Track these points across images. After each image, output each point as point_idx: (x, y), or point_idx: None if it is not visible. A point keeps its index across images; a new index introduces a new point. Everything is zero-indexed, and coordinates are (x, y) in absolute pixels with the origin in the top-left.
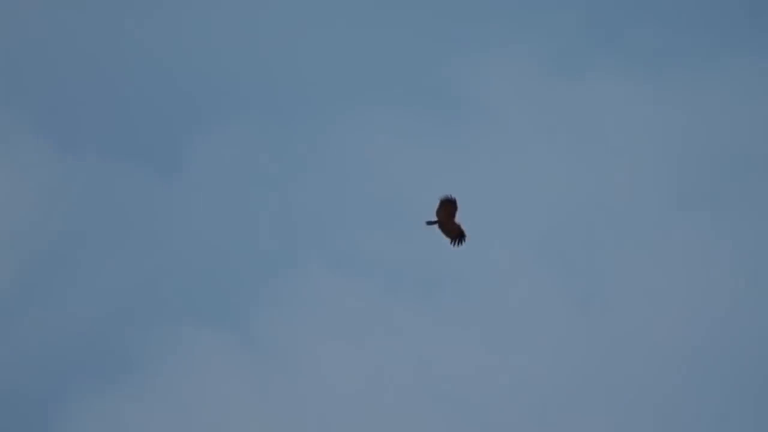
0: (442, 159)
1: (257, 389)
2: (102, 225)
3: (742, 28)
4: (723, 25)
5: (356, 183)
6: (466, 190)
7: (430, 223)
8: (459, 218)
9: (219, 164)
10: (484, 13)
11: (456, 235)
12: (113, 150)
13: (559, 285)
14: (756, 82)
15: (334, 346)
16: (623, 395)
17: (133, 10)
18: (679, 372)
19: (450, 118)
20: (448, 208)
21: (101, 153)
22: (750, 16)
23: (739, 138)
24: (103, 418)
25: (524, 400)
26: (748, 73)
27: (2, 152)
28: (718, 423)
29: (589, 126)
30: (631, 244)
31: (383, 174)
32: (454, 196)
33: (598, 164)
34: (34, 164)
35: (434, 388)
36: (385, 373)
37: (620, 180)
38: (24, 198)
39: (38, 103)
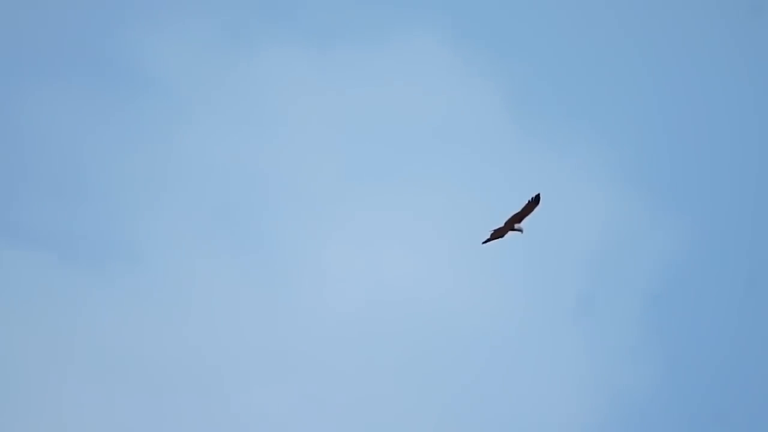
0: (114, 133)
1: None
2: None
3: (411, 6)
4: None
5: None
6: (138, 162)
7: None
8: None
9: None
10: None
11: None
12: None
13: (231, 256)
14: (424, 59)
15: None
16: (295, 365)
17: None
18: (353, 340)
19: (120, 91)
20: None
21: None
22: None
23: (409, 111)
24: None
25: (198, 372)
26: (416, 49)
27: None
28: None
29: (260, 99)
30: (302, 216)
31: (51, 148)
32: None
33: (269, 137)
34: None
35: (113, 360)
36: (60, 348)
37: (292, 152)
38: None
39: None
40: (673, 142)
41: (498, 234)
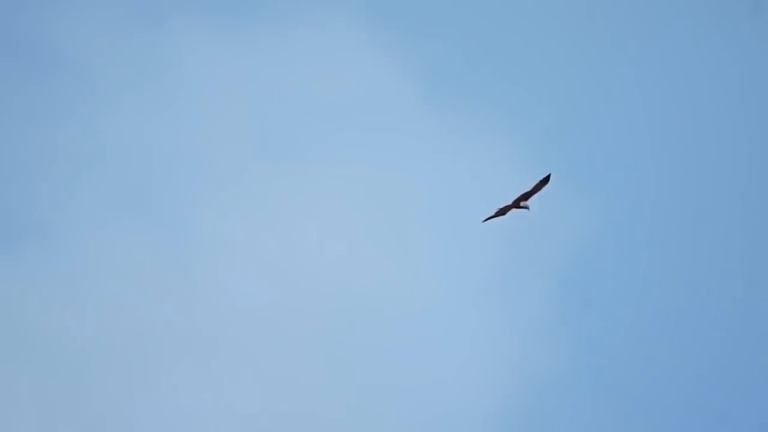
0: (24, 112)
1: None
2: None
3: None
4: None
5: None
6: (48, 141)
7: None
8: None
9: None
10: None
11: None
12: None
13: (144, 236)
14: (335, 37)
15: None
16: (206, 344)
17: None
18: (264, 319)
19: (30, 70)
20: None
21: None
22: None
23: (321, 90)
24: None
25: (109, 351)
26: (327, 27)
27: None
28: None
29: (171, 76)
30: (213, 195)
31: None
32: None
33: (180, 115)
34: None
35: (23, 340)
36: None
37: (203, 130)
38: None
39: None
40: (583, 124)
41: (502, 212)
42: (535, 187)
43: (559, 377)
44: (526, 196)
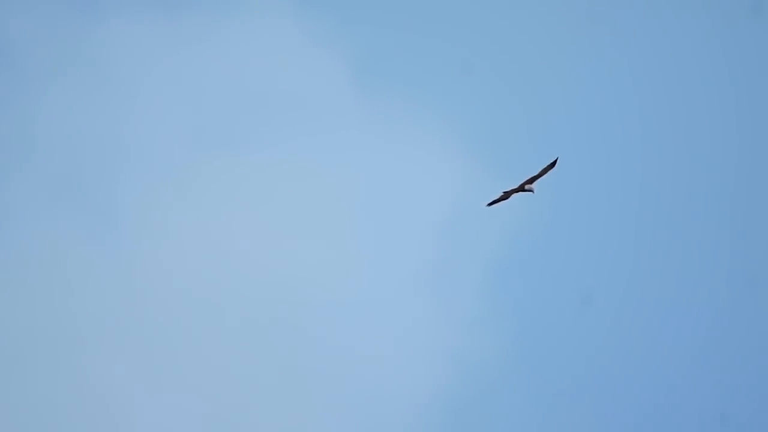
0: None
1: None
2: None
3: None
4: None
5: None
6: None
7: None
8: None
9: None
10: None
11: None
12: None
13: (79, 225)
14: (271, 29)
15: None
16: (141, 331)
17: None
18: (198, 306)
19: None
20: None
21: None
22: None
23: (256, 81)
24: None
25: (44, 338)
26: (263, 18)
27: None
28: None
29: (107, 66)
30: (150, 185)
31: None
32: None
33: (116, 105)
34: None
35: None
36: None
37: (138, 120)
38: None
39: None
40: (516, 115)
41: (506, 195)
42: (542, 170)
43: (493, 365)
44: (533, 179)
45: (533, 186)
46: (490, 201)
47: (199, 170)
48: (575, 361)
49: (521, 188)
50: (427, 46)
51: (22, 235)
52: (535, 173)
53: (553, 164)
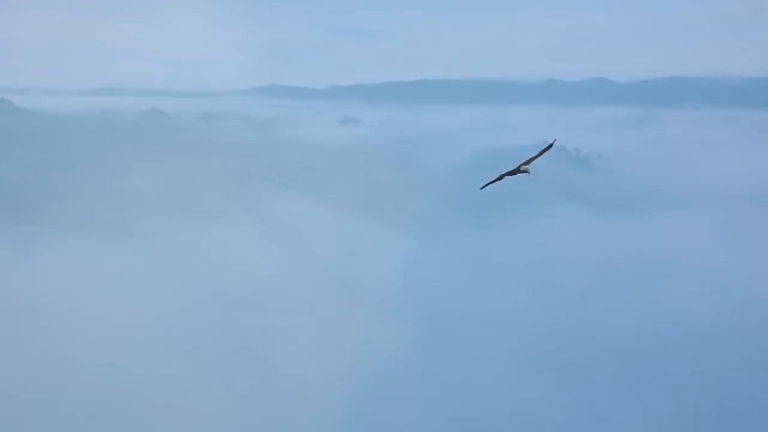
0: None
1: None
2: None
3: None
4: None
5: None
6: None
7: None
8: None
9: None
10: None
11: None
12: None
13: None
14: None
15: None
16: None
17: None
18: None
19: None
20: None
21: None
22: None
23: None
24: None
25: None
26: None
27: None
28: None
29: None
30: None
31: None
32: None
33: None
34: None
35: None
36: None
37: None
38: None
39: None
40: None
41: (501, 177)
42: (540, 152)
43: (402, 355)
44: (530, 160)
45: (528, 167)
46: (484, 184)
47: None
48: (485, 347)
49: (517, 170)
50: None
51: None
52: (534, 155)
53: (550, 146)
